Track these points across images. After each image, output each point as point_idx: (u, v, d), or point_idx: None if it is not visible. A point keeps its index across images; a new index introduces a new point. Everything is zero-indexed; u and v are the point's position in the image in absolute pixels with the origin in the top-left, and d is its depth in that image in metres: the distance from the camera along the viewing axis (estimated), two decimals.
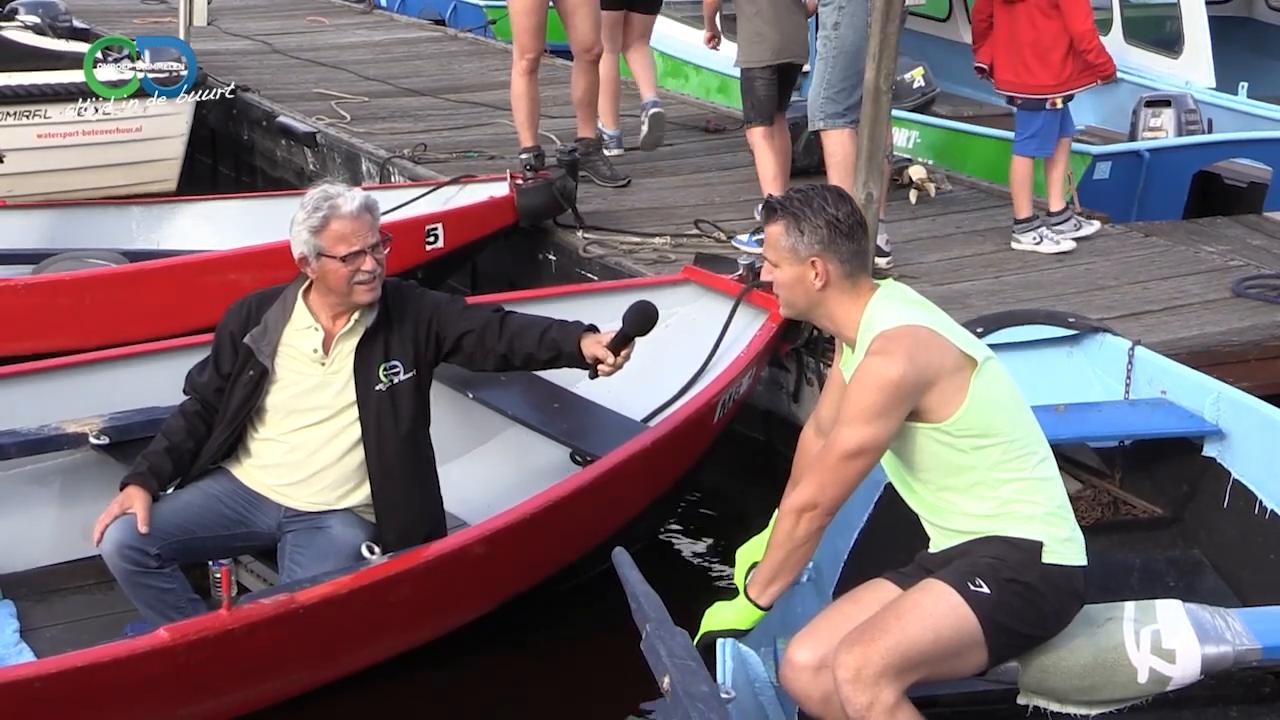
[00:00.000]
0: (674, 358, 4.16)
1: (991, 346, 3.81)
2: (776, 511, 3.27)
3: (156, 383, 4.43)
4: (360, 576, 3.62)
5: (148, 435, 4.14)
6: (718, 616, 3.10)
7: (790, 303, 3.10)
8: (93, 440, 4.21)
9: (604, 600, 4.30)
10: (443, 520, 3.95)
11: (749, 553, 3.25)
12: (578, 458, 4.35)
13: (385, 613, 3.74)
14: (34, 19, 8.64)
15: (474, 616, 3.99)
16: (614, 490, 4.13)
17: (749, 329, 4.79)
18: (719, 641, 3.03)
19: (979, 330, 4.18)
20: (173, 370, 4.35)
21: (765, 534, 3.25)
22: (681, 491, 4.69)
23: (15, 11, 8.74)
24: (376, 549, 3.75)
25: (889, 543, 3.49)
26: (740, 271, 4.92)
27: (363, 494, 3.85)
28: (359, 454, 3.82)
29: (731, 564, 4.82)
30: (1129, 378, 4.25)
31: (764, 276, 3.13)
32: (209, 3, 9.12)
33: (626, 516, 4.32)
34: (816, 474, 2.97)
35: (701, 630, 3.09)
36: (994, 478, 3.00)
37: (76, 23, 9.06)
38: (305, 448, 3.82)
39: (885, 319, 2.97)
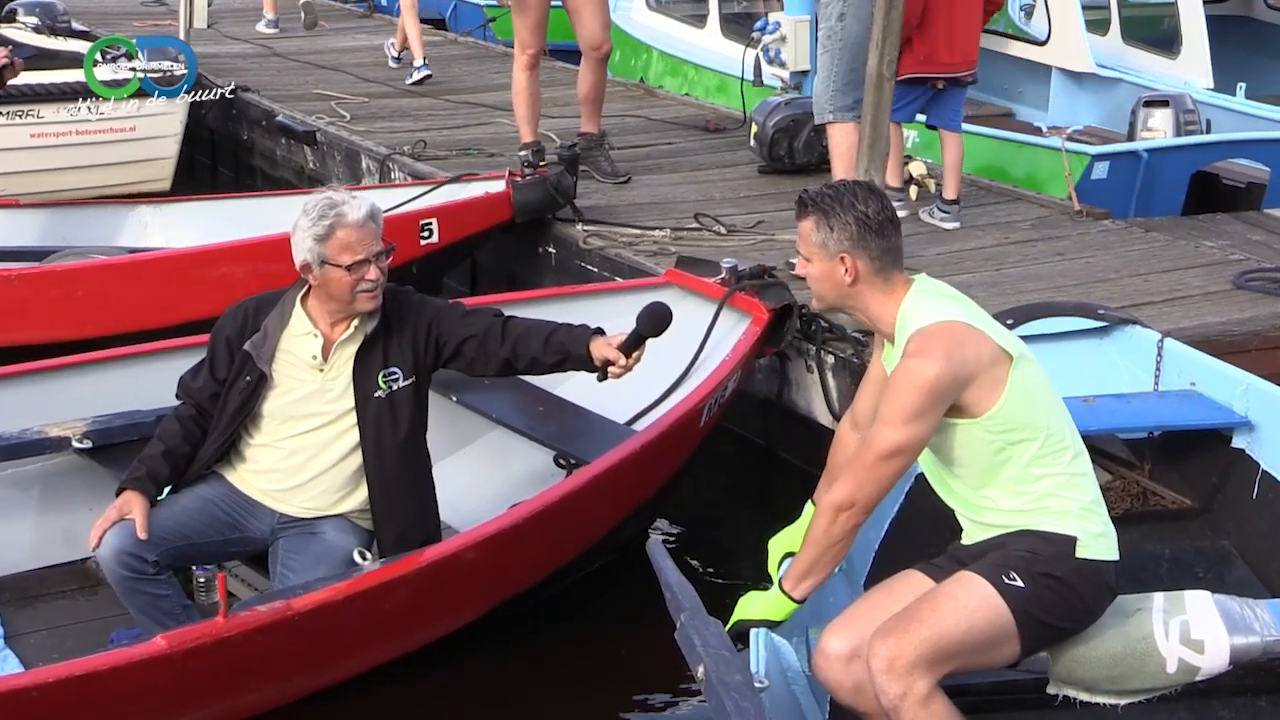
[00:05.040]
0: (656, 361, 4.14)
1: (1020, 338, 3.83)
2: (809, 503, 3.30)
3: (140, 386, 4.40)
4: (355, 583, 3.60)
5: (130, 439, 4.14)
6: (751, 606, 3.11)
7: (822, 296, 3.12)
8: (75, 444, 4.19)
9: (597, 603, 4.34)
10: (438, 526, 3.94)
11: (781, 543, 3.27)
12: (561, 461, 4.35)
13: (380, 618, 3.72)
14: (33, 20, 8.68)
15: (468, 620, 3.98)
16: (605, 494, 4.12)
17: (733, 332, 4.77)
18: (752, 631, 3.03)
19: (1008, 322, 4.17)
20: (156, 373, 4.35)
21: (798, 524, 3.27)
22: (668, 495, 4.69)
23: (14, 13, 8.78)
24: (369, 555, 3.73)
25: (921, 533, 3.48)
26: (723, 275, 4.89)
27: (357, 499, 3.83)
28: (355, 460, 3.80)
29: (730, 557, 4.88)
30: (1158, 369, 4.24)
31: (796, 270, 3.15)
32: (209, 5, 9.14)
33: (615, 520, 4.32)
34: (854, 473, 2.98)
35: (734, 619, 3.10)
36: (1029, 473, 3.01)
37: (76, 25, 9.09)
38: (302, 453, 3.80)
39: (921, 316, 2.98)
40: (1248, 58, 9.54)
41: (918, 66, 6.03)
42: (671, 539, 4.91)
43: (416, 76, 9.39)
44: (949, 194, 6.34)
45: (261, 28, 11.37)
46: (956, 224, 6.33)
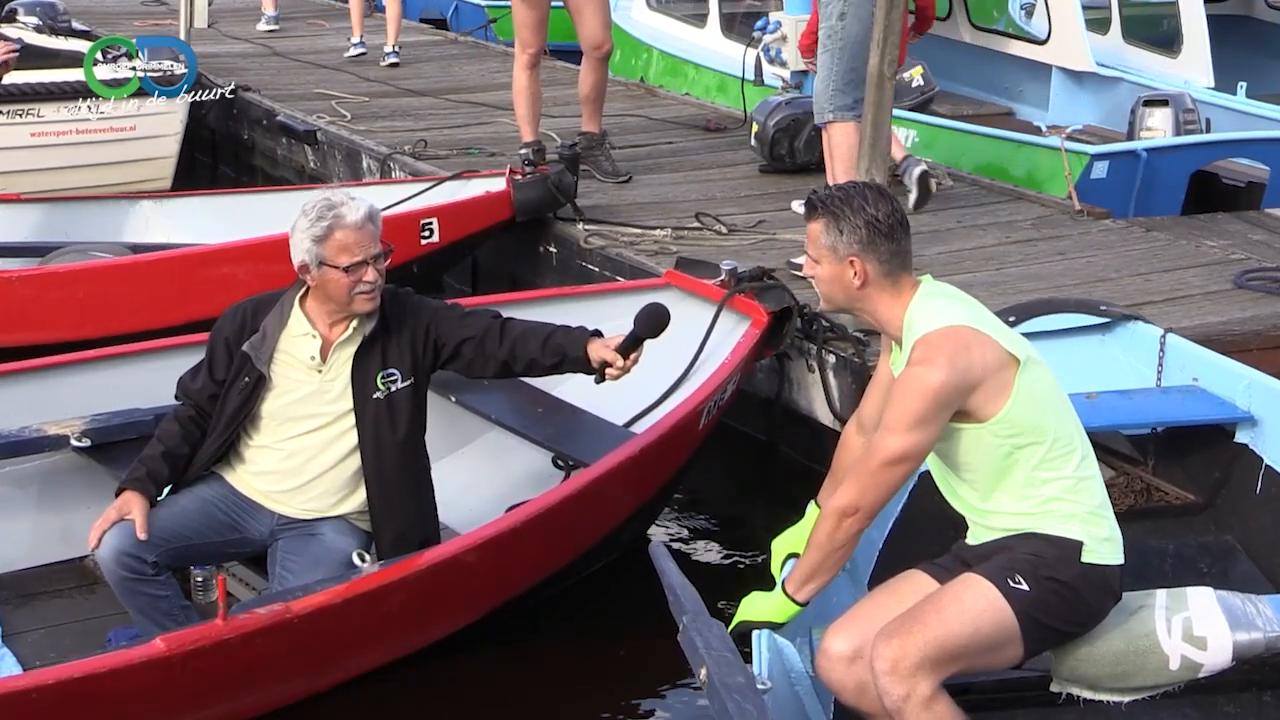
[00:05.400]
0: (655, 362, 4.14)
1: (1023, 335, 3.83)
2: (811, 503, 3.30)
3: (138, 385, 4.39)
4: (355, 585, 3.60)
5: (129, 438, 4.13)
6: (753, 607, 3.11)
7: (830, 298, 3.12)
8: (74, 442, 4.17)
9: (597, 604, 4.35)
10: (437, 527, 3.94)
11: (785, 544, 3.27)
12: (560, 462, 4.35)
13: (379, 620, 3.72)
14: (33, 19, 8.69)
15: (467, 623, 3.98)
16: (604, 497, 4.12)
17: (732, 334, 4.76)
18: (755, 632, 3.04)
19: (1011, 319, 4.18)
20: (155, 372, 4.35)
21: (801, 525, 3.27)
22: (666, 498, 4.68)
23: (14, 12, 8.79)
24: (368, 556, 3.73)
25: (924, 533, 3.49)
26: (723, 277, 4.89)
27: (356, 501, 3.82)
28: (354, 461, 3.80)
29: (732, 556, 4.88)
30: (1161, 365, 4.24)
31: (804, 272, 3.15)
32: (209, 5, 9.14)
33: (614, 523, 4.31)
34: (858, 479, 2.98)
35: (736, 620, 3.10)
36: (1036, 476, 3.01)
37: (76, 24, 9.10)
38: (300, 455, 3.79)
39: (927, 321, 2.97)
40: (1248, 57, 9.52)
41: None
42: (673, 538, 4.91)
43: (353, 53, 10.21)
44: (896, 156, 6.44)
45: (262, 26, 11.39)
46: (921, 166, 6.36)
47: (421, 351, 3.83)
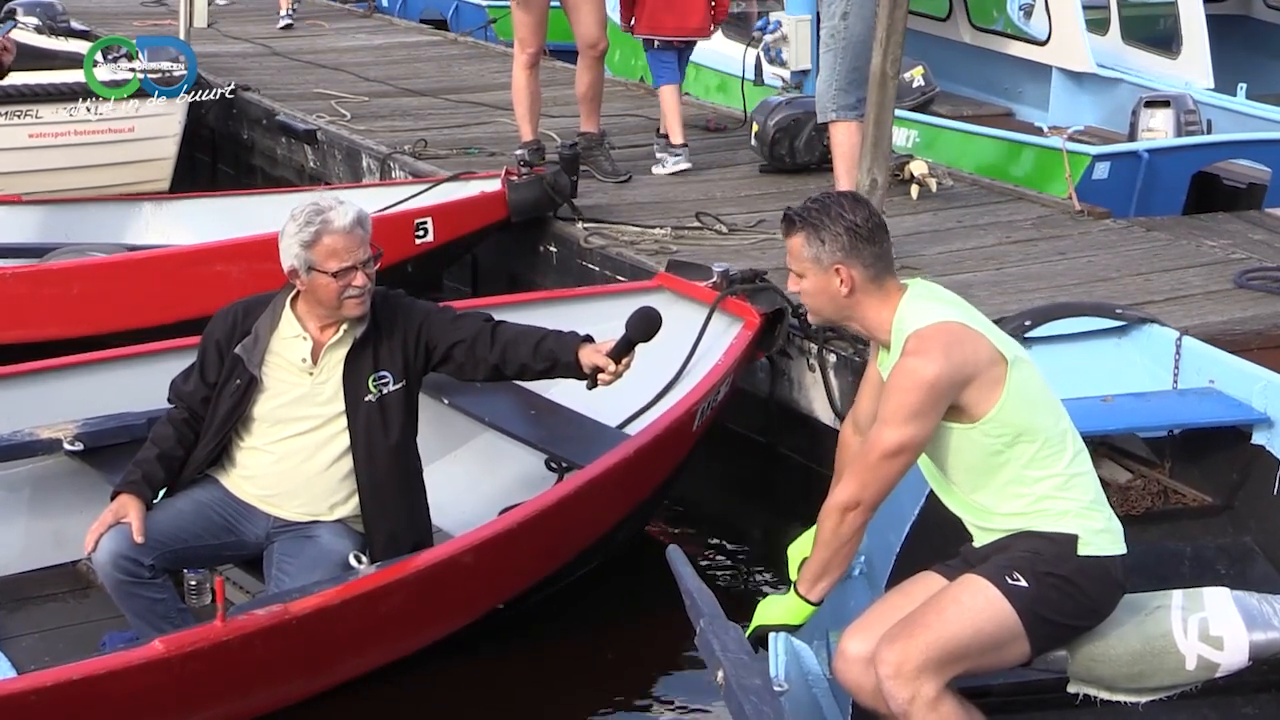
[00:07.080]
0: (649, 364, 4.15)
1: (1039, 338, 3.82)
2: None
3: (131, 388, 4.38)
4: (352, 586, 3.59)
5: (121, 441, 4.12)
6: (769, 611, 3.11)
7: (818, 311, 3.11)
8: (67, 446, 4.15)
9: (592, 604, 4.34)
10: (429, 530, 3.93)
11: (800, 549, 3.26)
12: (553, 464, 4.34)
13: (377, 622, 3.72)
14: (32, 20, 8.68)
15: (465, 624, 3.97)
16: (598, 499, 4.12)
17: (724, 336, 4.76)
18: (771, 635, 3.04)
19: (1027, 322, 4.18)
20: (147, 376, 4.34)
21: (814, 530, 3.25)
22: (660, 499, 4.68)
23: (13, 13, 8.77)
24: (364, 558, 3.72)
25: (941, 535, 3.47)
26: (714, 279, 4.89)
27: (351, 505, 3.81)
28: (347, 464, 3.78)
29: (734, 556, 4.87)
30: (1177, 367, 4.23)
31: (790, 287, 3.13)
32: (209, 5, 9.12)
33: (609, 524, 4.31)
34: (857, 473, 2.99)
35: (753, 624, 3.10)
36: (1026, 475, 3.01)
37: (75, 24, 9.09)
38: (293, 457, 3.78)
39: (918, 318, 2.98)
40: (1247, 58, 9.52)
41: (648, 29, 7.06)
42: (675, 539, 4.90)
43: (281, 24, 11.44)
44: (675, 139, 7.06)
45: (280, 24, 11.57)
46: (688, 164, 6.99)
47: (413, 354, 3.82)
